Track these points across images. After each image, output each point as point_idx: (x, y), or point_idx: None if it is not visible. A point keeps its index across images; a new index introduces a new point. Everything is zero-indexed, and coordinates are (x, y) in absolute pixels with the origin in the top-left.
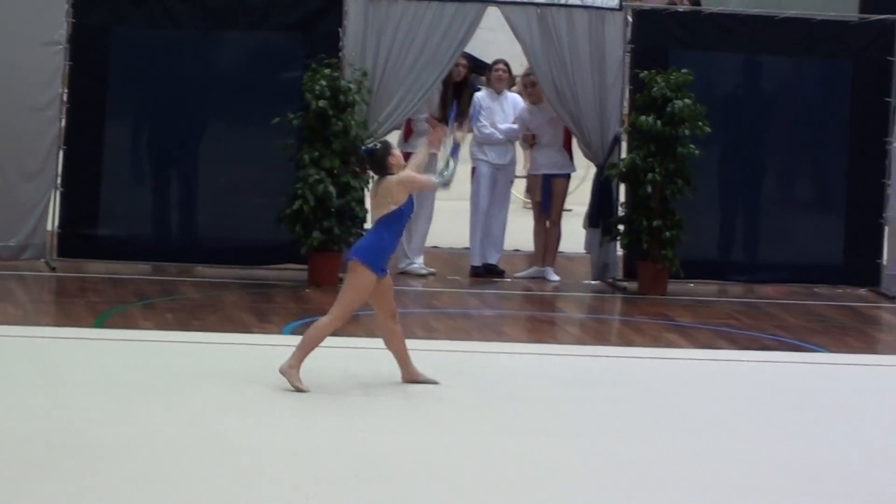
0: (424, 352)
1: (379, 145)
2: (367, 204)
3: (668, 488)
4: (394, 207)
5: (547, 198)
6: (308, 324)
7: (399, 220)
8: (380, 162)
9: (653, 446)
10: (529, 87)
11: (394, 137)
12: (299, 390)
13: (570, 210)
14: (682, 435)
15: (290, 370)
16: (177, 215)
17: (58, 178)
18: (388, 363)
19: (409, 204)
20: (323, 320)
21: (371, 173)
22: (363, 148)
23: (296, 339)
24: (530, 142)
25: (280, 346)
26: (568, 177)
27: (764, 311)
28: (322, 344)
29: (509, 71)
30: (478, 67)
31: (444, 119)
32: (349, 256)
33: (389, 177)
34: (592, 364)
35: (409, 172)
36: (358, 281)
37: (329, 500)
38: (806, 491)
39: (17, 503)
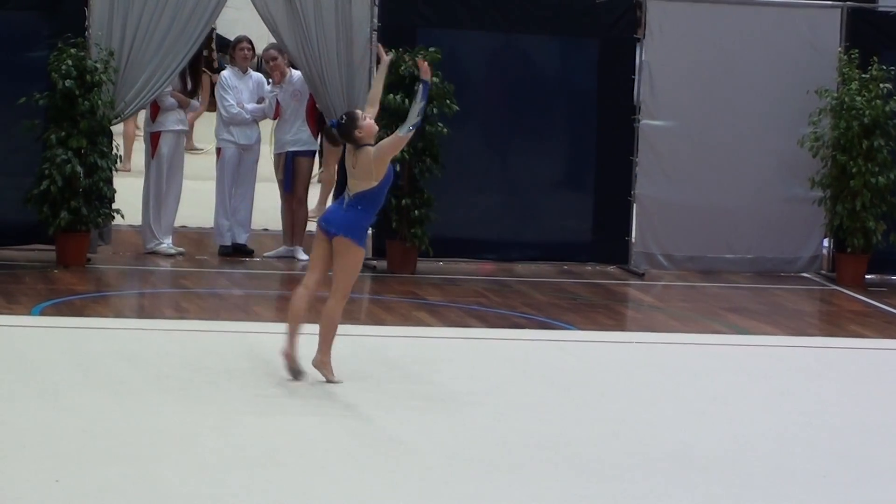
0: (175, 332)
1: (344, 119)
2: (115, 184)
3: (426, 466)
4: (374, 184)
5: (290, 176)
6: (57, 304)
7: (379, 196)
8: (347, 135)
9: (408, 424)
10: (272, 62)
11: (140, 117)
12: (331, 381)
13: None
14: (435, 413)
15: (322, 365)
16: None
17: None
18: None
19: (388, 178)
20: (329, 305)
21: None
22: (331, 121)
23: (44, 320)
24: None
25: (28, 327)
26: (312, 154)
27: (514, 289)
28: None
29: (253, 49)
30: (223, 46)
31: (188, 92)
32: (334, 232)
33: (367, 151)
34: (343, 343)
35: (381, 147)
36: (351, 259)
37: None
38: (558, 466)
39: None
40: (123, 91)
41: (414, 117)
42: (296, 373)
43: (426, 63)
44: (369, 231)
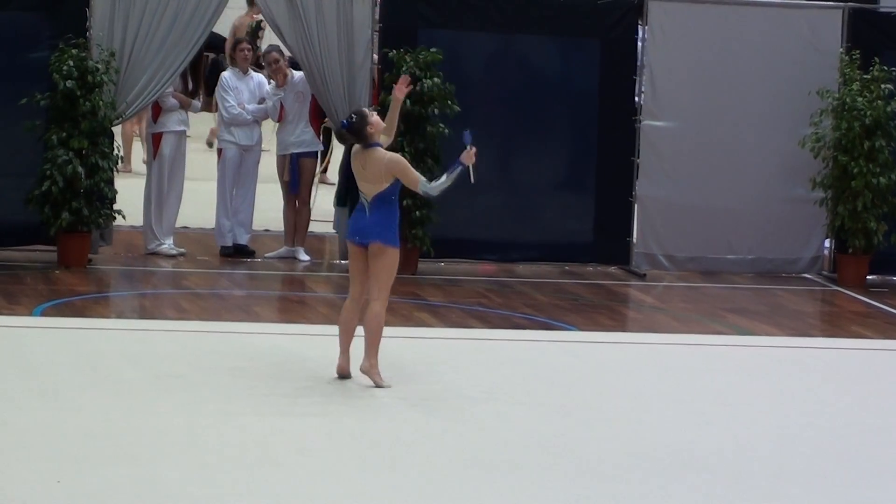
0: (175, 332)
1: (355, 117)
2: (116, 185)
3: (426, 466)
4: (386, 185)
5: (296, 177)
6: (59, 305)
7: (395, 193)
8: (359, 133)
9: (409, 425)
10: (274, 65)
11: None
12: (380, 386)
13: None
14: (436, 414)
15: (371, 369)
16: None
17: None
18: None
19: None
20: (374, 308)
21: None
22: (341, 122)
23: (45, 321)
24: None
25: (30, 327)
26: (316, 154)
27: (515, 290)
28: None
29: (254, 50)
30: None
31: (189, 93)
32: (367, 241)
33: (379, 152)
34: None
35: (401, 162)
36: (388, 261)
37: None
38: (559, 466)
39: None
40: (125, 92)
41: (436, 187)
42: (344, 379)
43: (473, 151)
44: None
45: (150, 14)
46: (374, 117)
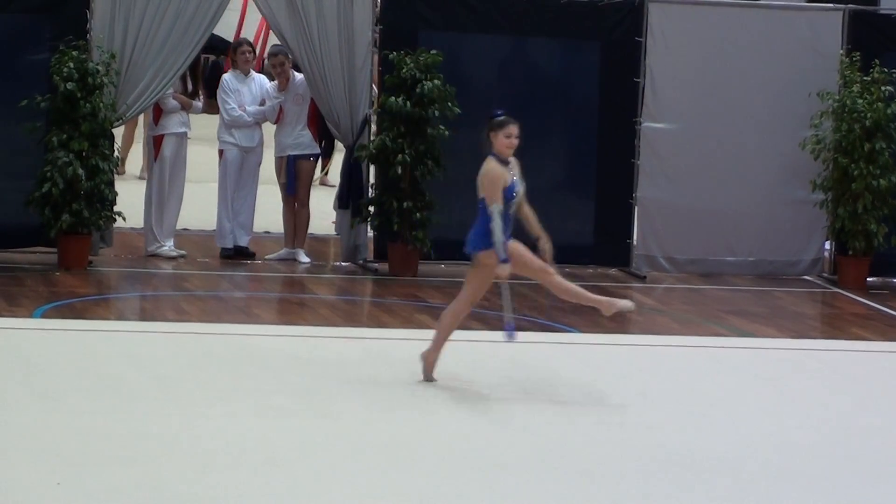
0: (176, 334)
1: (500, 117)
2: (116, 187)
3: (426, 467)
4: (483, 194)
5: (292, 179)
6: (59, 307)
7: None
8: (487, 131)
9: (409, 426)
10: (279, 68)
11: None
12: (427, 378)
13: None
14: (437, 415)
15: (427, 359)
16: None
17: None
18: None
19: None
20: (453, 307)
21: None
22: (496, 110)
23: (46, 323)
24: None
25: (30, 329)
26: (313, 157)
27: (515, 292)
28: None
29: (254, 52)
30: (223, 48)
31: (188, 94)
32: (468, 250)
33: (486, 161)
34: (343, 345)
35: (490, 175)
36: (483, 269)
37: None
38: (559, 468)
39: None
40: (125, 94)
41: (496, 227)
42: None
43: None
44: (370, 233)
45: (151, 16)
46: (508, 140)
